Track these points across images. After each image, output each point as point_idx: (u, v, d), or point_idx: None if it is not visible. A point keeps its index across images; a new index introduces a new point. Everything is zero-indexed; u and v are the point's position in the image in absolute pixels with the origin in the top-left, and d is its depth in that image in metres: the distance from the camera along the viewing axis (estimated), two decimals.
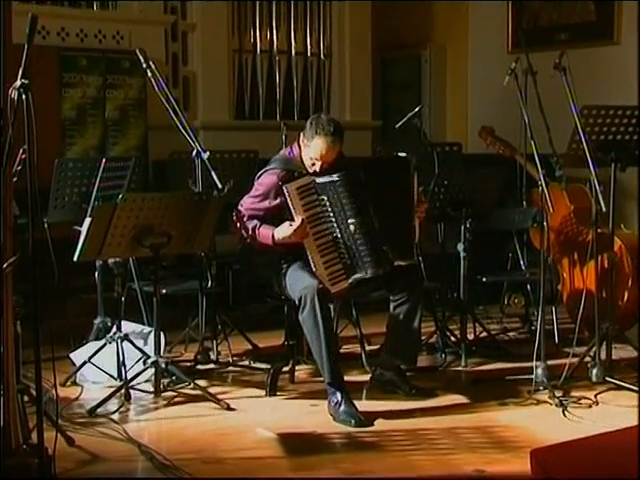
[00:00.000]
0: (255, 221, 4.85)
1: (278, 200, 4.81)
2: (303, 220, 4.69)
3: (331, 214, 4.77)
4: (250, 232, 4.83)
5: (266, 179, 4.92)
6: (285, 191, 4.72)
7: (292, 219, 4.71)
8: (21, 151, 3.72)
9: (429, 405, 4.86)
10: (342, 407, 4.60)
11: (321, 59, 8.61)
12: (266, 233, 4.79)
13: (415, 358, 5.11)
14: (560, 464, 3.14)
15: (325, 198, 4.75)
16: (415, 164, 4.94)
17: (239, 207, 4.91)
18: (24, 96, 3.37)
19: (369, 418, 4.57)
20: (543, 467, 3.13)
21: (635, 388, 4.85)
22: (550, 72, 5.20)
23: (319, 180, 4.76)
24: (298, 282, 4.74)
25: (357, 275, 4.78)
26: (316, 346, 4.65)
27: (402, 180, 4.90)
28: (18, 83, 3.38)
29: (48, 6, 7.17)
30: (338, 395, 4.63)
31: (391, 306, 4.89)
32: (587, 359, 5.11)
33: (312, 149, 4.78)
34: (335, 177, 4.74)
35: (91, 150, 7.02)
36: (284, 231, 4.73)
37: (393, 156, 5.11)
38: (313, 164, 4.81)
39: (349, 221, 4.74)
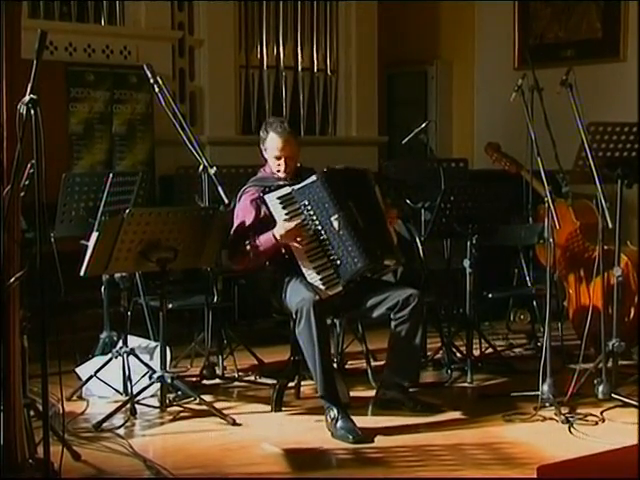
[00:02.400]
0: (251, 236, 4.84)
1: (262, 213, 4.85)
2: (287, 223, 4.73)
3: (314, 217, 4.78)
4: (250, 248, 4.81)
5: (245, 198, 4.96)
6: (267, 201, 4.77)
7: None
8: (29, 166, 3.75)
9: (435, 421, 4.84)
10: (339, 423, 4.58)
11: (328, 75, 8.62)
12: (266, 236, 4.79)
13: (417, 376, 5.10)
14: None
15: (306, 202, 4.78)
16: (375, 177, 5.05)
17: (231, 238, 4.93)
18: (32, 111, 3.39)
19: (369, 435, 4.54)
20: None
21: None
22: (556, 89, 5.21)
23: (297, 187, 4.79)
24: (295, 296, 4.76)
25: (348, 274, 4.75)
26: (310, 358, 4.66)
27: (364, 190, 4.94)
28: (27, 98, 3.40)
29: (56, 21, 7.18)
30: (334, 410, 4.62)
31: (392, 324, 4.87)
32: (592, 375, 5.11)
33: (270, 147, 4.94)
34: (313, 177, 4.79)
35: (98, 165, 7.02)
36: (280, 228, 4.74)
37: (350, 167, 5.11)
38: (278, 165, 4.93)
39: (332, 218, 4.76)
